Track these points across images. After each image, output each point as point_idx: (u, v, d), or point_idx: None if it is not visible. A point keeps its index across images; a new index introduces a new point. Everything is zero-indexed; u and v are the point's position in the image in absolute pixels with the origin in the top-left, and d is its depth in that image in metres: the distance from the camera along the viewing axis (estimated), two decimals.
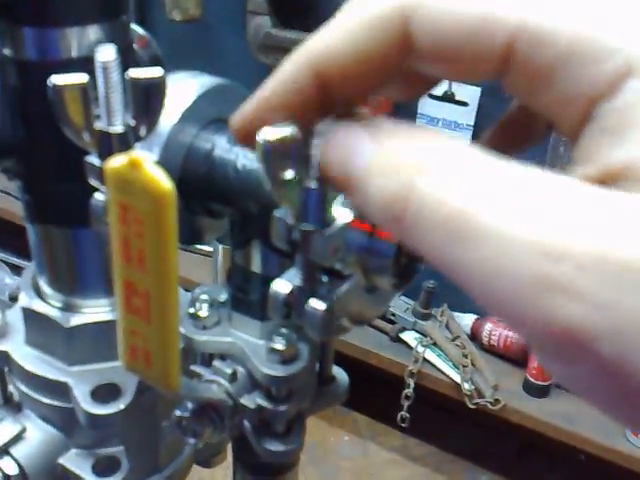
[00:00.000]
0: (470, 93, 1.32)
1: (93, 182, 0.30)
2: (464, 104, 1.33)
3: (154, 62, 0.47)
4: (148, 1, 1.56)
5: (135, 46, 0.45)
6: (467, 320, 1.49)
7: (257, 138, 0.21)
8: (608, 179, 0.17)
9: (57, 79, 0.27)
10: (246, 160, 0.31)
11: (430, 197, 0.17)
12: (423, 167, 0.18)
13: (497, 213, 0.16)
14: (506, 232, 0.15)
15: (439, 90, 1.35)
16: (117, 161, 0.24)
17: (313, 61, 0.20)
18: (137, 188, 0.24)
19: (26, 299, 0.46)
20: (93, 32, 0.35)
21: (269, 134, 0.21)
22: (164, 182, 0.23)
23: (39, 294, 0.46)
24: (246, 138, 0.22)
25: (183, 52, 1.59)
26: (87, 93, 0.28)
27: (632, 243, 0.14)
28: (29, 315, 0.46)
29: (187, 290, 0.40)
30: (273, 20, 1.35)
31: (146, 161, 0.23)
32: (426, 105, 1.38)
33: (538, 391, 1.35)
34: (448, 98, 1.34)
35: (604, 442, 1.29)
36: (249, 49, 1.41)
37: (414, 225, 0.17)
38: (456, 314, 1.51)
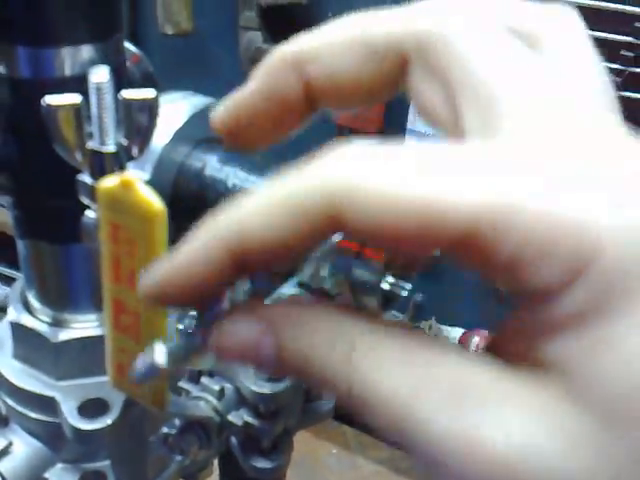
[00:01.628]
0: None
1: (85, 200, 0.31)
2: None
3: (146, 79, 0.47)
4: (140, 15, 1.57)
5: (127, 63, 0.46)
6: (455, 333, 1.49)
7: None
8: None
9: (51, 99, 0.28)
10: (237, 179, 0.32)
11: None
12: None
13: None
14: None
15: None
16: (109, 181, 0.24)
17: (228, 242, 0.19)
18: (129, 208, 0.24)
19: (14, 313, 0.46)
20: (87, 52, 0.35)
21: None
22: (156, 203, 0.23)
23: (27, 308, 0.46)
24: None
25: (175, 66, 1.59)
26: (80, 113, 0.28)
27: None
28: (17, 329, 0.46)
29: None
30: (264, 35, 1.36)
31: (138, 182, 0.24)
32: (415, 121, 1.38)
33: None
34: None
35: None
36: (241, 63, 1.42)
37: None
38: (444, 327, 1.51)
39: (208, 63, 1.55)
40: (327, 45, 0.21)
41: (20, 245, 0.44)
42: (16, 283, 0.48)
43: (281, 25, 1.39)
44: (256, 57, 1.33)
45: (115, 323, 0.27)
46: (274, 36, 1.37)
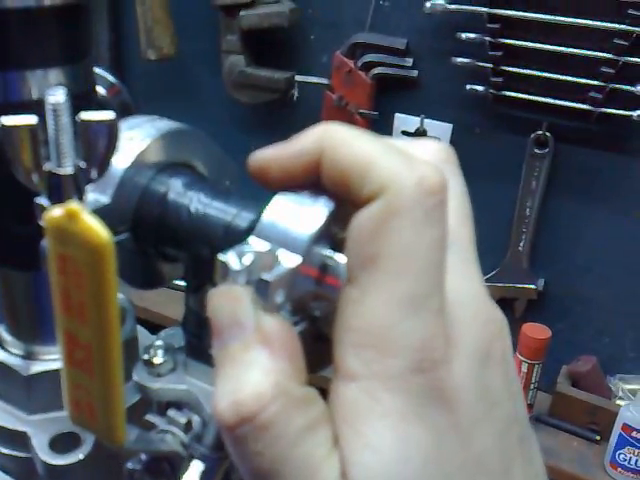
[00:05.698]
0: (442, 130, 1.34)
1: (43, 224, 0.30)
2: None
3: (124, 110, 0.47)
4: (122, 41, 1.57)
5: (105, 93, 0.45)
6: None
7: None
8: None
9: (6, 120, 0.27)
10: (199, 204, 0.31)
11: None
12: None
13: None
14: None
15: (412, 127, 1.37)
16: (55, 211, 0.23)
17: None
18: (75, 239, 0.23)
19: None
20: (54, 75, 0.35)
21: None
22: (102, 233, 0.22)
23: None
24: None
25: (159, 91, 1.59)
26: (36, 134, 0.27)
27: None
28: None
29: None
30: (247, 59, 1.36)
31: (83, 211, 0.23)
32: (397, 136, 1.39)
33: None
34: (420, 134, 1.35)
35: (584, 476, 1.28)
36: (224, 87, 1.42)
37: None
38: None
39: (191, 87, 1.55)
40: None
41: None
42: None
43: (263, 48, 1.40)
44: (239, 80, 1.33)
45: (69, 358, 0.26)
46: (256, 59, 1.38)
